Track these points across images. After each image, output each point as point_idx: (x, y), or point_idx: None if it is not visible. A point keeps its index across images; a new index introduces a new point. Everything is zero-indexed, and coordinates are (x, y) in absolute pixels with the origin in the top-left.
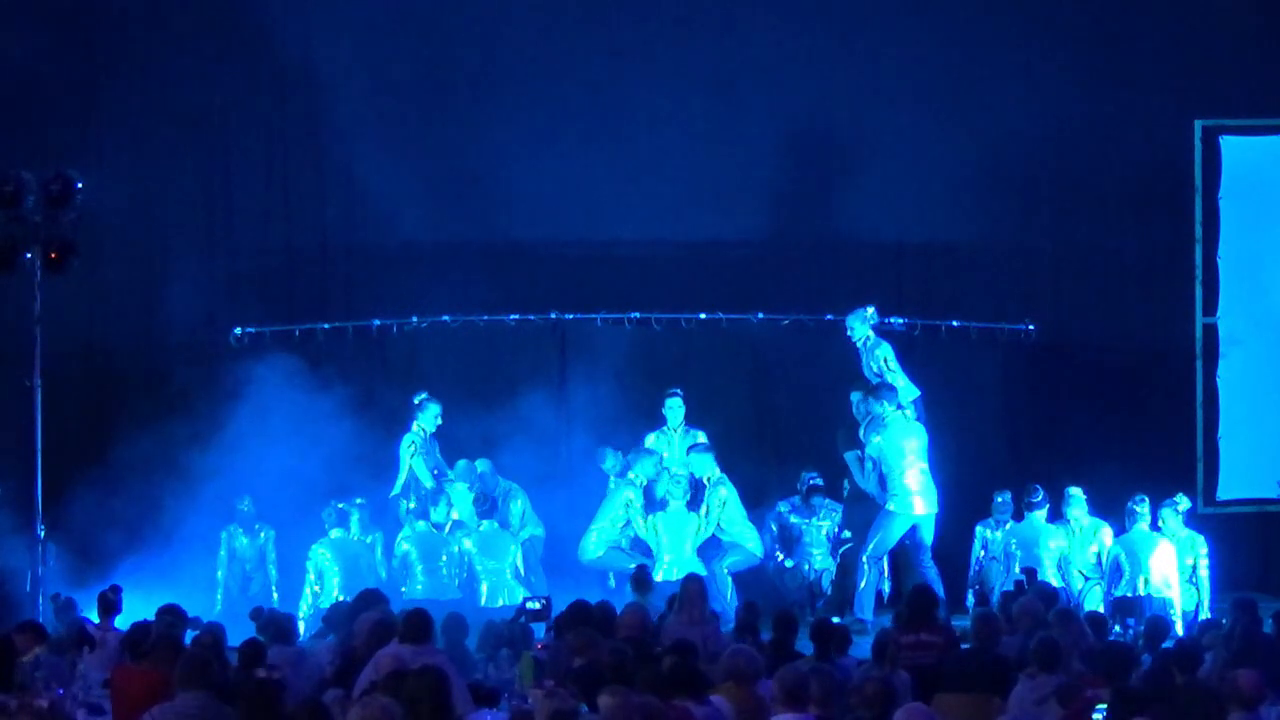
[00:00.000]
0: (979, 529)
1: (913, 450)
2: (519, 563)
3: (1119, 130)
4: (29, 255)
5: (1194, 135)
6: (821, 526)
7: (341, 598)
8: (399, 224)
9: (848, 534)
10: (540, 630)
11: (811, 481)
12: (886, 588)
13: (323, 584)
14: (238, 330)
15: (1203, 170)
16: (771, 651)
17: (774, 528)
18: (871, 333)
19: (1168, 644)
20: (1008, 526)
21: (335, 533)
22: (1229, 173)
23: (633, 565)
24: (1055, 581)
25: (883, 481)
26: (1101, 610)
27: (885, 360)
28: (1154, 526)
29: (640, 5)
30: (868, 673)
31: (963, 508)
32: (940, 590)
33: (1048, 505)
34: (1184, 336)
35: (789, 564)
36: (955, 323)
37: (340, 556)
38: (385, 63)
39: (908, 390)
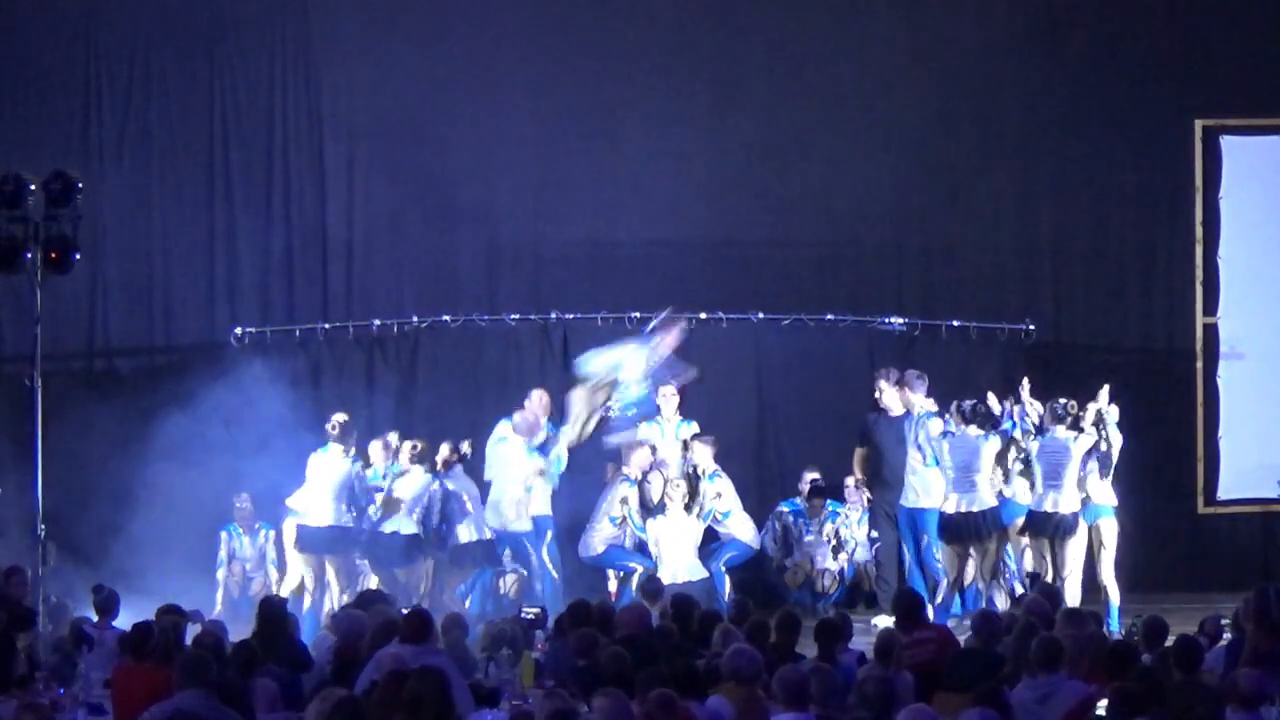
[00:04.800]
0: None
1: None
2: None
3: (1119, 130)
4: (29, 255)
5: (1194, 135)
6: (823, 526)
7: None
8: (399, 224)
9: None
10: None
11: (814, 482)
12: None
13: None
14: (238, 330)
15: (1203, 170)
16: (773, 652)
17: (775, 527)
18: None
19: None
20: None
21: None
22: (1229, 173)
23: (634, 564)
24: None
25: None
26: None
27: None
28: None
29: (641, 5)
30: (869, 671)
31: None
32: (942, 577)
33: None
34: (1184, 336)
35: (789, 564)
36: (955, 323)
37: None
38: (387, 61)
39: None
